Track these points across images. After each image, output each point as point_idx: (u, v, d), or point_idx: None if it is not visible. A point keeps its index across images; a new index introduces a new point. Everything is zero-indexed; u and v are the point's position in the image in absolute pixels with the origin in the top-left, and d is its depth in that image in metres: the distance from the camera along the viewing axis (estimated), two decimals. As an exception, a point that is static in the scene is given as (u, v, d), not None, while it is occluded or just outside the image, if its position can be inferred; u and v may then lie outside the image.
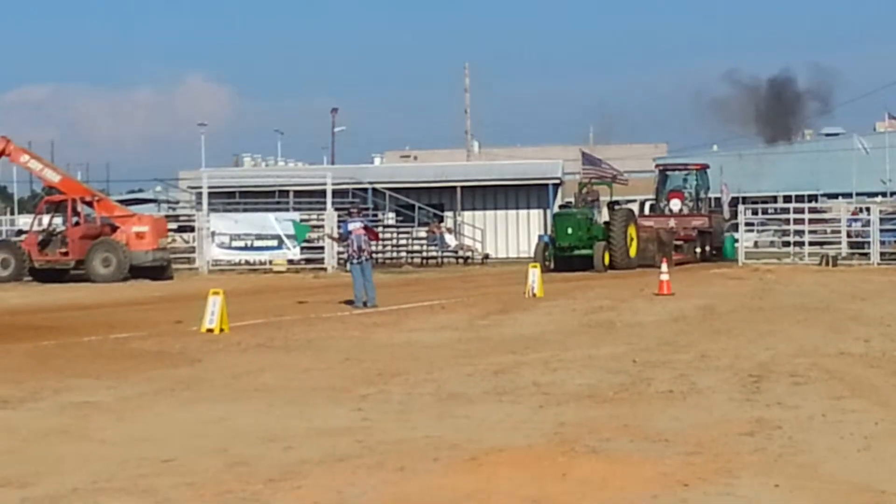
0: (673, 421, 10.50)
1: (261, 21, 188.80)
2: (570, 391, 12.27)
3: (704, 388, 12.32)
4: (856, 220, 42.83)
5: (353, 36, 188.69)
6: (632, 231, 39.37)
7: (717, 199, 51.08)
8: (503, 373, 13.64)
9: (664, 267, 27.02)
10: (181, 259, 39.90)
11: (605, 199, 41.80)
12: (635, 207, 48.66)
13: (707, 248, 44.82)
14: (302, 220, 40.55)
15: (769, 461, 8.92)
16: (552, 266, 37.49)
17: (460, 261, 46.13)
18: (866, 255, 38.79)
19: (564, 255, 38.25)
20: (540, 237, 40.69)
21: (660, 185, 47.09)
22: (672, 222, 44.06)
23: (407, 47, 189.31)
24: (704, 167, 47.97)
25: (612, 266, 37.80)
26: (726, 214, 48.17)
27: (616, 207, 40.82)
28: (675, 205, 45.65)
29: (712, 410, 11.03)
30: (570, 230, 38.45)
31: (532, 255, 38.60)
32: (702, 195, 46.54)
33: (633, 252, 39.09)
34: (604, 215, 40.13)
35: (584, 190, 40.68)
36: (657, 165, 50.87)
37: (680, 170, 48.31)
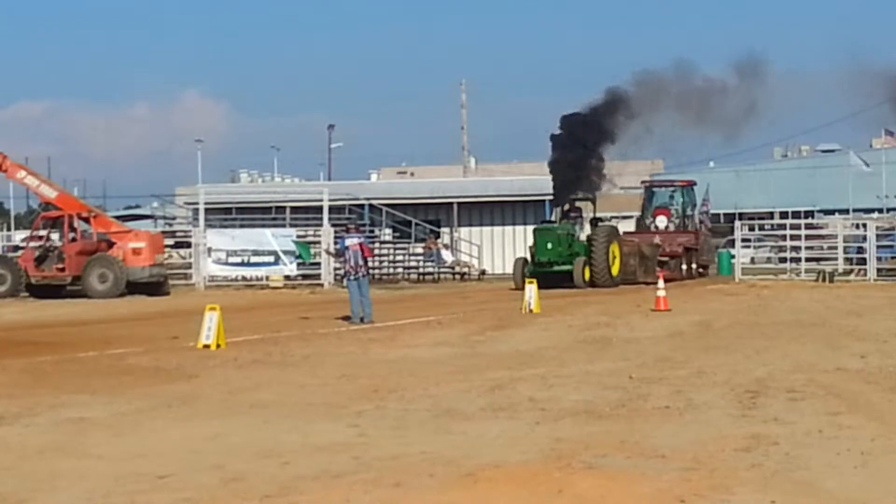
0: (669, 437, 10.50)
1: (258, 37, 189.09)
2: (567, 407, 12.27)
3: (701, 404, 12.32)
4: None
5: (349, 52, 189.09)
6: (614, 248, 38.30)
7: (709, 216, 50.26)
8: (499, 389, 13.64)
9: (661, 283, 27.05)
10: (178, 275, 39.85)
11: (588, 215, 40.80)
12: (631, 224, 48.52)
13: (693, 266, 44.10)
14: (298, 237, 40.58)
15: (766, 477, 8.92)
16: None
17: (457, 277, 46.11)
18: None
19: (543, 271, 36.62)
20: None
21: (646, 201, 46.34)
22: (657, 239, 43.04)
23: (403, 63, 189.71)
24: (691, 184, 47.21)
25: (592, 283, 36.79)
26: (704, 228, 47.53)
27: (599, 224, 39.81)
28: (662, 221, 44.90)
29: (709, 426, 11.03)
30: (549, 245, 37.63)
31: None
32: (688, 212, 45.88)
33: (615, 270, 37.97)
34: (586, 231, 39.09)
35: (567, 206, 39.86)
36: (643, 182, 49.91)
37: (666, 186, 47.53)
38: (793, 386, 13.41)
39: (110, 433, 11.19)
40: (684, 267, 43.40)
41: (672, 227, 44.71)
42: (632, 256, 39.29)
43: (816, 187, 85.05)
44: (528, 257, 38.51)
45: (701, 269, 44.87)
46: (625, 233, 43.83)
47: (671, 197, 46.05)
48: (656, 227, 44.77)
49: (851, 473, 9.07)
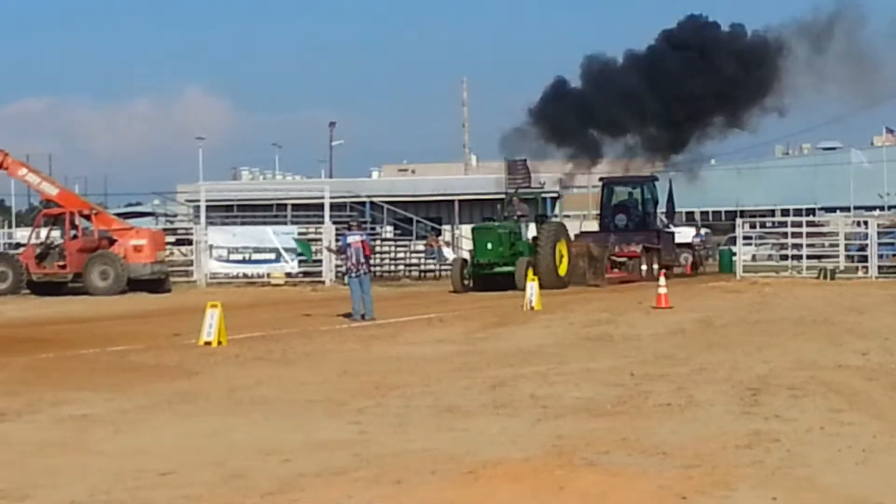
0: (671, 434, 10.50)
1: (259, 34, 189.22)
2: (568, 404, 12.26)
3: (702, 401, 12.32)
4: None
5: (351, 50, 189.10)
6: (562, 247, 35.45)
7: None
8: (501, 386, 13.63)
9: (662, 280, 27.02)
10: (179, 272, 39.86)
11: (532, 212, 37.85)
12: None
13: (655, 266, 40.89)
14: (299, 234, 40.57)
15: (767, 474, 8.92)
16: (471, 285, 34.59)
17: (458, 274, 45.97)
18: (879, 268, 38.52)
19: (483, 273, 34.53)
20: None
21: (604, 199, 44.12)
22: (612, 238, 40.75)
23: (405, 61, 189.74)
24: (652, 179, 44.97)
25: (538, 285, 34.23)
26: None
27: (545, 221, 36.70)
28: (621, 220, 42.76)
29: (710, 423, 11.03)
30: (489, 245, 34.72)
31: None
32: (649, 209, 43.65)
33: (563, 270, 35.12)
34: (532, 230, 36.01)
35: (512, 203, 36.93)
36: (601, 178, 46.39)
37: (625, 183, 45.02)
38: (794, 383, 13.40)
39: (112, 430, 11.20)
40: (644, 268, 40.78)
41: (632, 226, 42.55)
42: (581, 258, 36.63)
43: (817, 185, 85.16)
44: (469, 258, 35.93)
45: (665, 269, 41.15)
46: (582, 232, 42.80)
47: (630, 194, 44.10)
48: (615, 225, 42.74)
49: (852, 470, 9.07)
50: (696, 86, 38.22)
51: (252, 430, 11.06)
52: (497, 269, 34.58)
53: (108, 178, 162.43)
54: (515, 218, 36.12)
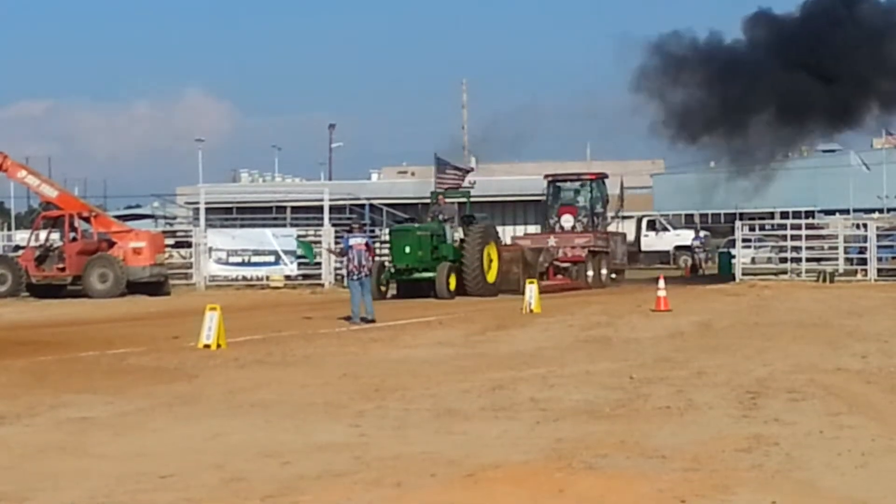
0: (670, 437, 10.51)
1: (259, 36, 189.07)
2: (567, 407, 12.28)
3: (702, 404, 12.33)
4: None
5: (350, 51, 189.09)
6: (491, 251, 32.85)
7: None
8: (500, 389, 13.64)
9: (661, 283, 27.00)
10: (178, 275, 39.83)
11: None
12: (632, 224, 47.83)
13: (603, 271, 38.82)
14: (299, 236, 40.57)
15: (766, 477, 8.92)
16: (388, 292, 32.44)
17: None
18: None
19: (402, 279, 32.55)
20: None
21: (550, 198, 41.42)
22: (552, 240, 38.19)
23: (404, 63, 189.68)
24: (601, 177, 42.42)
25: (464, 292, 31.69)
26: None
27: (473, 222, 33.70)
28: (567, 221, 40.02)
29: (709, 427, 11.04)
30: (408, 249, 32.06)
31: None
32: (598, 209, 40.91)
33: (492, 276, 32.58)
34: (459, 232, 33.24)
35: (436, 203, 34.34)
36: (546, 175, 43.75)
37: (572, 180, 42.47)
38: (793, 386, 13.41)
39: (111, 433, 11.20)
40: (590, 273, 38.33)
41: (580, 227, 39.85)
42: (514, 263, 33.97)
43: (817, 187, 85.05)
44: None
45: (614, 275, 39.82)
46: (526, 235, 40.78)
47: (577, 192, 41.66)
48: (561, 227, 40.01)
49: (852, 474, 9.08)
50: (866, 65, 34.60)
51: (252, 433, 11.07)
52: (416, 275, 32.30)
53: (107, 181, 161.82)
54: (441, 219, 33.43)
